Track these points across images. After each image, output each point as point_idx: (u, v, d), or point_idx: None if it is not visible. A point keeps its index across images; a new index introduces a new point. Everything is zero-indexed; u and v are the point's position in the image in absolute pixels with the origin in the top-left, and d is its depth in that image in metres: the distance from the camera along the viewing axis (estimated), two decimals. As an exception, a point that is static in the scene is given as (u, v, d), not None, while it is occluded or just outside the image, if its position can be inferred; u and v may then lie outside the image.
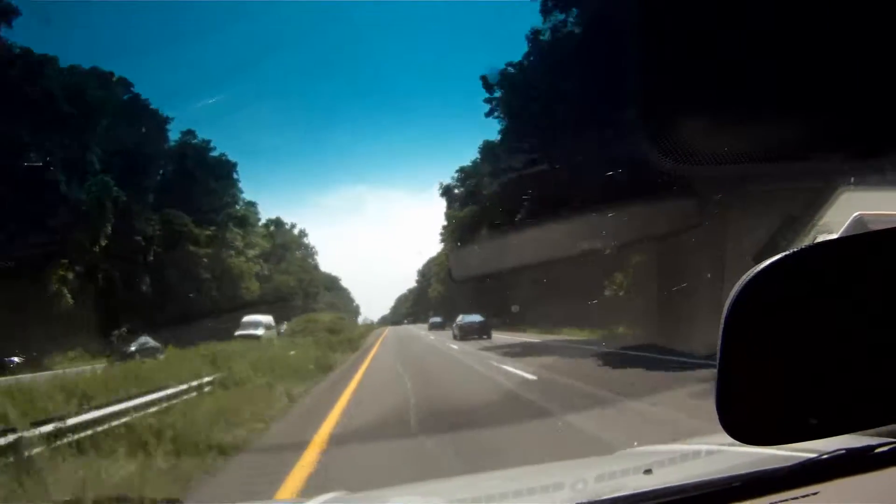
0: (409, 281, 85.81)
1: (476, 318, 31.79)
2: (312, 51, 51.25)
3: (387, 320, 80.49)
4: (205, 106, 43.25)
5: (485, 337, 29.24)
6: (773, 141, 1.30)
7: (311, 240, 68.88)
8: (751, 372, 0.98)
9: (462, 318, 32.33)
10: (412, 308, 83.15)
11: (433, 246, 70.87)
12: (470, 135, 65.57)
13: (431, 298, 61.42)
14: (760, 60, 1.21)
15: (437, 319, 48.08)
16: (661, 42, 1.22)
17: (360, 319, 72.69)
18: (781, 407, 0.99)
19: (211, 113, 48.91)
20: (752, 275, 0.96)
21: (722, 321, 0.96)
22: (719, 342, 0.96)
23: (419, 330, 49.00)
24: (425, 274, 71.70)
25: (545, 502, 2.18)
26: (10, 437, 6.45)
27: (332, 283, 72.08)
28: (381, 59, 55.60)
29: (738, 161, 1.33)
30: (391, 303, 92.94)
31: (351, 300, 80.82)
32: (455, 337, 31.11)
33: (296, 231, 55.61)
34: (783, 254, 0.97)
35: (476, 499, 2.60)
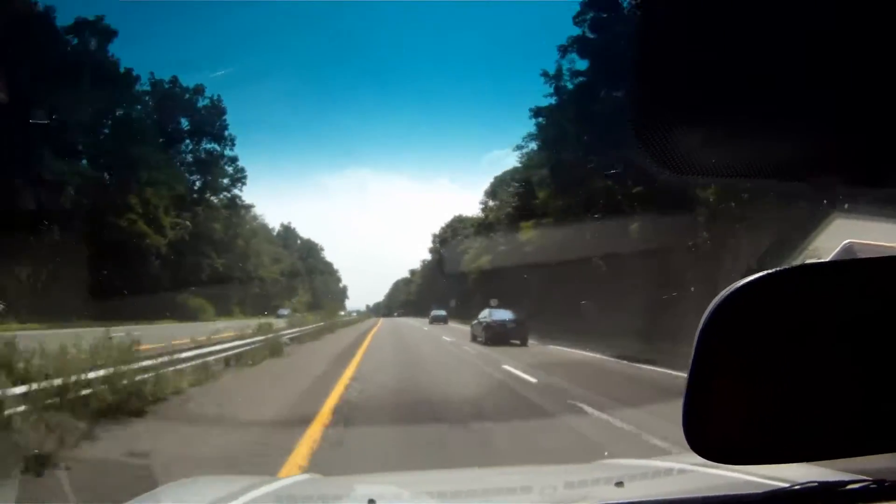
0: (409, 267, 74.61)
1: (508, 314, 22.44)
2: (324, 32, 50.67)
3: (380, 308, 70.43)
4: (212, 78, 39.90)
5: (516, 342, 20.71)
6: (768, 161, 1.23)
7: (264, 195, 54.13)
8: (722, 390, 0.92)
9: (490, 315, 22.53)
10: (416, 295, 64.57)
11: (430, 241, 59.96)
12: (480, 125, 64.33)
13: (473, 273, 37.99)
14: (762, 80, 1.14)
15: (441, 313, 40.43)
16: (658, 52, 1.16)
17: (348, 305, 61.74)
18: (751, 427, 0.93)
19: (217, 85, 45.16)
20: (731, 290, 0.90)
21: (697, 335, 0.90)
22: (692, 358, 0.90)
23: (430, 329, 34.22)
24: (446, 240, 49.32)
25: (512, 503, 2.11)
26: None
27: (308, 252, 56.68)
28: (394, 43, 54.55)
29: (733, 176, 1.26)
30: (387, 288, 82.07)
31: (337, 279, 66.41)
32: (475, 339, 22.62)
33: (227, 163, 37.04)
34: (766, 272, 0.91)
35: (444, 494, 2.53)
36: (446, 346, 21.36)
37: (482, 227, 40.80)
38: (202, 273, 34.68)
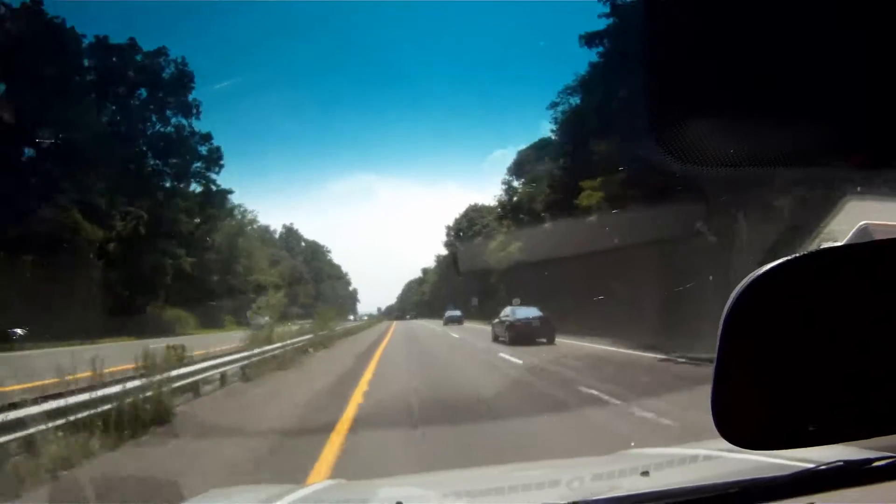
0: (420, 268, 73.58)
1: (533, 311, 21.68)
2: (326, 37, 51.12)
3: (392, 310, 70.13)
4: (216, 90, 40.23)
5: (542, 341, 20.11)
6: (780, 146, 1.33)
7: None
8: (748, 376, 0.99)
9: (513, 313, 22.08)
10: (430, 295, 62.57)
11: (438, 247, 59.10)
12: (483, 127, 65.34)
13: (498, 265, 32.25)
14: (771, 64, 1.24)
15: (455, 313, 40.23)
16: (667, 43, 1.24)
17: (359, 309, 61.31)
18: (778, 413, 0.99)
19: (220, 97, 45.96)
20: (753, 278, 0.97)
21: (721, 324, 0.96)
22: (717, 345, 0.97)
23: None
24: (462, 231, 45.84)
25: (540, 499, 2.22)
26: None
27: (313, 254, 55.36)
28: (397, 47, 55.25)
29: (746, 165, 1.37)
30: (399, 289, 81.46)
31: (346, 283, 65.74)
32: (496, 339, 22.37)
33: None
34: (785, 258, 0.97)
35: (471, 492, 2.64)
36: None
37: (509, 209, 37.48)
38: (164, 276, 29.17)
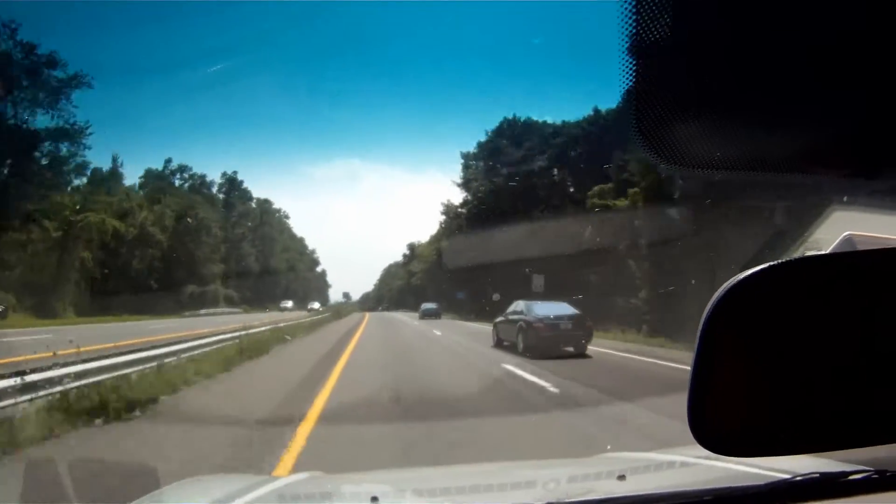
0: (397, 256, 65.13)
1: (561, 307, 15.51)
2: (317, 24, 50.83)
3: (368, 299, 65.46)
4: (206, 75, 40.12)
5: (569, 349, 14.56)
6: (767, 154, 1.31)
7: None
8: (726, 382, 0.97)
9: (533, 308, 15.51)
10: (422, 279, 47.79)
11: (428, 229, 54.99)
12: (470, 117, 65.45)
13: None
14: (760, 68, 1.22)
15: (432, 306, 38.15)
16: (653, 44, 1.22)
17: (330, 294, 55.10)
18: (755, 420, 0.98)
19: (211, 81, 44.77)
20: (733, 283, 0.95)
21: (699, 329, 0.94)
22: (695, 350, 0.95)
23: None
24: (496, 152, 31.48)
25: (516, 498, 2.21)
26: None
27: (261, 216, 43.05)
28: (387, 35, 55.22)
29: (731, 168, 1.34)
30: (377, 276, 75.97)
31: (314, 261, 54.78)
32: (500, 344, 16.35)
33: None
34: (767, 264, 0.96)
35: (446, 490, 2.62)
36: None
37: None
38: None
